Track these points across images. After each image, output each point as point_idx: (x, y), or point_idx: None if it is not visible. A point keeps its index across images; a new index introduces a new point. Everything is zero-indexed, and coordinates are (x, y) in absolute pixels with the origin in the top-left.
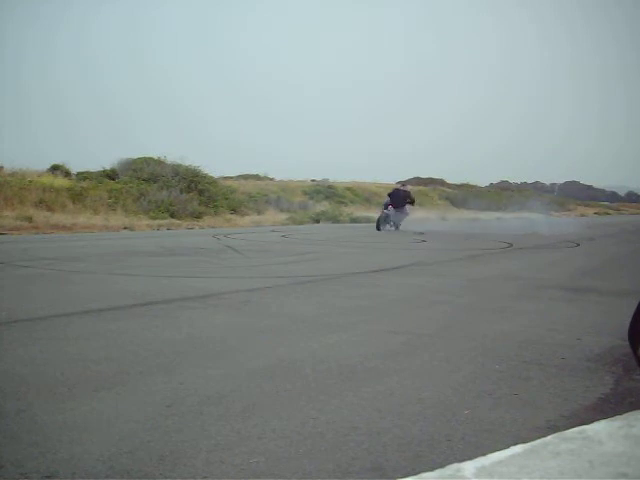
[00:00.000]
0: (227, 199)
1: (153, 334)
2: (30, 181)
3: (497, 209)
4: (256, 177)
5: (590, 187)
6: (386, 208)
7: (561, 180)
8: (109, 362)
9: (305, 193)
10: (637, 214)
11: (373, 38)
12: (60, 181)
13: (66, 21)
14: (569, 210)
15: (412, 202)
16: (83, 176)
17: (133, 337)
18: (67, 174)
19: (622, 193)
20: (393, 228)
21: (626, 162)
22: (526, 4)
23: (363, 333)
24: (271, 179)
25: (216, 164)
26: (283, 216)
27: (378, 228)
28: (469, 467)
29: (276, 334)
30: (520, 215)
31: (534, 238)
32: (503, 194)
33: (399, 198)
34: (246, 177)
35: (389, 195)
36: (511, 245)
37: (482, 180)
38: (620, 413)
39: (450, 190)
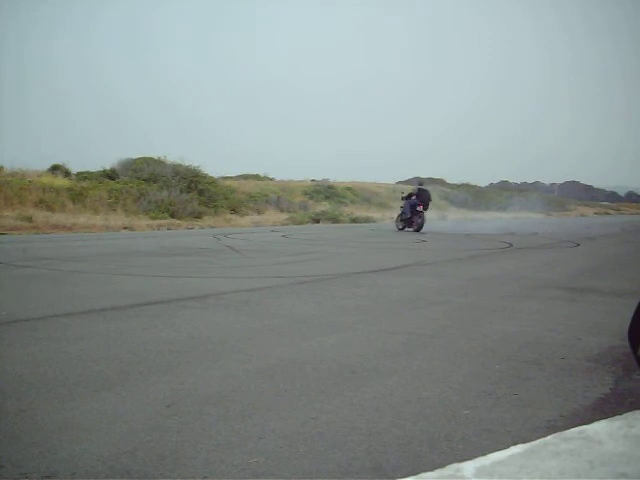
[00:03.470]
0: (227, 199)
1: (153, 334)
2: (30, 181)
3: (497, 209)
4: (256, 177)
5: (590, 187)
6: (412, 208)
7: (561, 180)
8: (109, 362)
9: (305, 193)
10: (637, 214)
11: (373, 38)
12: (60, 181)
13: (67, 21)
14: (569, 210)
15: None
16: (83, 176)
17: (133, 337)
18: (67, 174)
19: (622, 193)
20: (412, 229)
21: (626, 162)
22: (526, 4)
23: (363, 333)
24: (271, 179)
25: (216, 164)
26: (283, 216)
27: (401, 228)
28: (469, 467)
29: (276, 334)
30: (520, 215)
31: (534, 238)
32: (503, 194)
33: (427, 198)
34: (246, 177)
35: (416, 195)
36: (511, 245)
37: (482, 180)
38: (620, 413)
39: (450, 190)
